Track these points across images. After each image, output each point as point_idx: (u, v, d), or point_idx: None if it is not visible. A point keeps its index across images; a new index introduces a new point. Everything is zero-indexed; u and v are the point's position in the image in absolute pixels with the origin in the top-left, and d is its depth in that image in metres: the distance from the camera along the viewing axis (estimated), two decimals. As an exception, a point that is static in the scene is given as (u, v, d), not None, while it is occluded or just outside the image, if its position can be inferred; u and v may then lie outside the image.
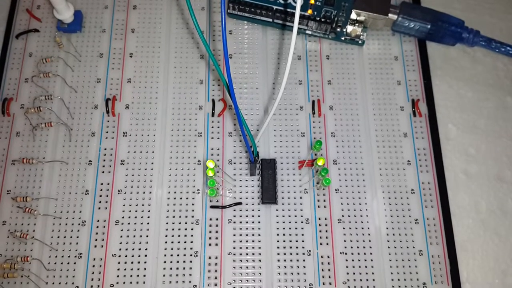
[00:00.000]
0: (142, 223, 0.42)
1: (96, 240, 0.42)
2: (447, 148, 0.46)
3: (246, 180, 0.44)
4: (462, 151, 0.47)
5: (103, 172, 0.44)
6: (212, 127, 0.46)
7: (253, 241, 0.42)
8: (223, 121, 0.46)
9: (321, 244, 0.42)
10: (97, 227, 0.42)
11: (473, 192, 0.45)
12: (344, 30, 0.48)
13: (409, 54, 0.49)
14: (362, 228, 0.43)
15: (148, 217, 0.42)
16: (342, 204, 0.43)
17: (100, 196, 0.43)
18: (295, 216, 0.43)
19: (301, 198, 0.43)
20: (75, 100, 0.46)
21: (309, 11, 0.48)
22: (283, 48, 0.49)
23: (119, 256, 0.41)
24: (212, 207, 0.43)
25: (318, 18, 0.47)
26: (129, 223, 0.42)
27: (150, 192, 0.43)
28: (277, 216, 0.43)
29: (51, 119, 0.44)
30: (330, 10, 0.48)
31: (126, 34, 0.48)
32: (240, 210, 0.43)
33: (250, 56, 0.48)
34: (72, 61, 0.47)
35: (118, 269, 0.41)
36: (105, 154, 0.44)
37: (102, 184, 0.43)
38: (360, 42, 0.48)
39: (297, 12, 0.32)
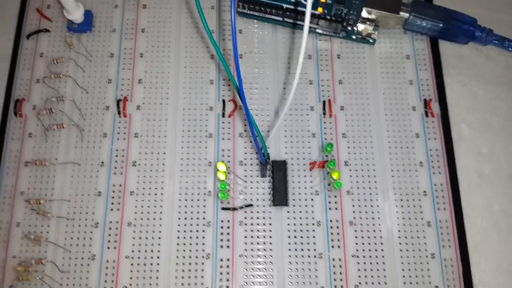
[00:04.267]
0: (154, 225, 0.42)
1: (109, 241, 0.42)
2: (460, 148, 0.46)
3: (257, 182, 0.44)
4: (475, 151, 0.46)
5: (115, 173, 0.44)
6: (223, 128, 0.46)
7: (264, 243, 0.42)
8: (233, 121, 0.46)
9: (332, 246, 0.42)
10: (110, 228, 0.42)
11: (486, 193, 0.45)
12: (355, 28, 0.48)
13: (421, 53, 0.48)
14: (374, 231, 0.43)
15: (160, 218, 0.43)
16: (353, 206, 0.43)
17: (113, 197, 0.43)
18: (307, 218, 0.43)
19: (312, 200, 0.43)
20: (87, 101, 0.46)
21: (320, 9, 0.48)
22: (293, 47, 0.48)
23: (132, 257, 0.42)
24: (223, 208, 0.43)
25: (328, 17, 0.47)
26: (141, 225, 0.42)
27: (162, 194, 0.43)
28: (288, 218, 0.43)
29: (63, 121, 0.45)
30: (341, 8, 0.47)
31: (136, 34, 0.48)
32: (252, 212, 0.43)
33: (260, 55, 0.48)
34: (82, 61, 0.47)
35: (131, 271, 0.41)
36: (117, 156, 0.44)
37: (114, 185, 0.43)
38: (371, 41, 0.48)
39: (308, 12, 0.32)
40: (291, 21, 0.48)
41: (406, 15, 0.46)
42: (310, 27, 0.48)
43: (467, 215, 0.44)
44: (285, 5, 0.47)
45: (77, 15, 0.46)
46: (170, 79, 0.47)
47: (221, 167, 0.40)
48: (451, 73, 0.48)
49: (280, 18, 0.48)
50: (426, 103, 0.46)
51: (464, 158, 0.46)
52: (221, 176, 0.40)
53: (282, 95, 0.47)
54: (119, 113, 0.45)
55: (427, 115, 0.46)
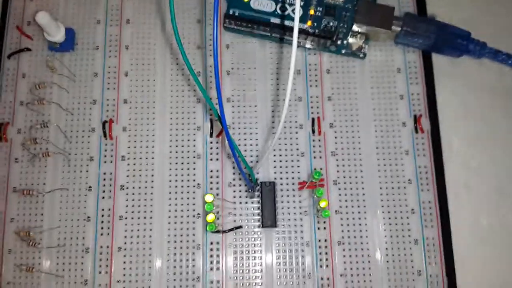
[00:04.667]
0: (144, 249, 0.43)
1: (100, 266, 0.42)
2: (449, 162, 0.46)
3: (246, 203, 0.44)
4: (464, 163, 0.46)
5: (103, 197, 0.44)
6: (211, 148, 0.45)
7: (254, 264, 0.43)
8: (222, 142, 0.45)
9: (321, 266, 0.43)
10: (101, 253, 0.43)
11: (474, 208, 0.45)
12: (345, 42, 0.47)
13: (413, 65, 0.47)
14: (362, 249, 0.43)
15: (150, 242, 0.43)
16: (342, 225, 0.44)
17: (102, 222, 0.43)
18: (295, 238, 0.43)
19: (301, 219, 0.44)
20: (72, 123, 0.45)
21: (309, 23, 0.47)
22: (282, 62, 0.47)
23: (124, 281, 0.42)
24: (212, 231, 0.43)
25: (318, 31, 0.46)
26: (131, 249, 0.43)
27: (151, 217, 0.43)
28: (277, 238, 0.43)
29: (49, 149, 0.44)
30: (331, 21, 0.46)
31: (120, 51, 0.47)
32: (241, 233, 0.43)
33: (248, 71, 0.47)
34: (66, 82, 0.46)
35: (123, 295, 0.42)
36: (104, 179, 0.44)
37: (103, 210, 0.44)
38: (361, 55, 0.47)
39: (296, 31, 0.31)
40: (278, 36, 0.47)
41: (397, 29, 0.45)
42: (299, 42, 0.47)
43: (455, 231, 0.44)
44: (272, 20, 0.46)
45: (58, 37, 0.45)
46: (156, 98, 0.46)
47: (209, 198, 0.40)
48: (443, 80, 0.48)
49: (268, 34, 0.47)
50: (416, 119, 0.46)
51: (453, 173, 0.46)
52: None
53: (271, 112, 0.46)
54: (105, 135, 0.45)
55: (416, 131, 0.46)
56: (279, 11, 0.47)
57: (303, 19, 0.46)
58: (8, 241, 0.43)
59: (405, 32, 0.45)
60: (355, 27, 0.46)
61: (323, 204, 0.41)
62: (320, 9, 0.47)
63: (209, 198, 0.41)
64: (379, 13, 0.46)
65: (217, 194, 0.44)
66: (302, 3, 0.47)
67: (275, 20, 0.47)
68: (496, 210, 0.45)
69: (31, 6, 0.48)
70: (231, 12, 0.46)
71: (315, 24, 0.46)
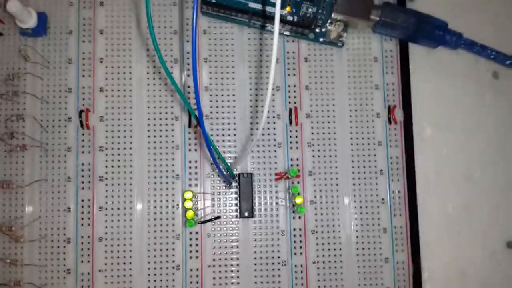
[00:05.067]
0: (125, 239, 0.44)
1: (82, 256, 0.44)
2: (420, 150, 0.47)
3: (225, 193, 0.45)
4: (435, 152, 0.48)
5: (82, 188, 0.44)
6: (189, 138, 0.46)
7: (232, 253, 0.45)
8: (199, 132, 0.46)
9: (295, 254, 0.45)
10: (82, 243, 0.44)
11: (442, 194, 0.48)
12: (324, 29, 0.46)
13: (389, 54, 0.48)
14: (334, 237, 0.45)
15: (131, 232, 0.44)
16: (316, 214, 0.45)
17: (82, 212, 0.44)
18: (271, 227, 0.45)
19: (277, 209, 0.45)
20: (47, 112, 0.45)
21: (288, 8, 0.46)
22: (262, 49, 0.47)
23: (105, 270, 0.44)
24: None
25: (297, 19, 0.45)
26: (112, 239, 0.44)
27: (131, 208, 0.44)
28: (254, 228, 0.45)
29: (26, 142, 0.44)
30: (309, 7, 0.45)
31: (94, 36, 0.46)
32: (219, 223, 0.45)
33: (226, 58, 0.47)
34: (40, 69, 0.45)
35: (106, 283, 0.44)
36: (83, 170, 0.45)
37: (83, 200, 0.44)
38: (340, 44, 0.47)
39: (277, 23, 0.30)
40: (258, 24, 0.46)
41: (376, 19, 0.45)
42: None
43: (422, 219, 0.47)
44: (250, 4, 0.45)
45: (30, 23, 0.43)
46: (133, 86, 0.46)
47: (188, 195, 0.41)
48: (419, 69, 0.48)
49: (246, 20, 0.46)
50: (390, 110, 0.47)
51: (424, 162, 0.48)
52: (189, 204, 0.42)
53: (249, 102, 0.46)
54: (81, 125, 0.45)
55: (390, 122, 0.47)
56: (258, -3, 0.46)
57: (282, 5, 0.46)
58: None
59: (383, 22, 0.45)
60: (333, 15, 0.45)
61: (298, 200, 0.43)
62: (300, -7, 0.46)
63: (188, 195, 0.42)
64: (358, 2, 0.45)
65: (196, 185, 0.45)
66: (281, -12, 0.46)
67: (254, 5, 0.46)
68: (462, 197, 0.48)
69: (-3, -13, 0.46)
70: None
71: (294, 10, 0.46)
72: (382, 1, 0.47)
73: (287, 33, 0.46)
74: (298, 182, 0.45)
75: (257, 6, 0.45)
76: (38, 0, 0.46)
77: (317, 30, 0.46)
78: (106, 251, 0.44)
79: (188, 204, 0.42)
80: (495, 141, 0.48)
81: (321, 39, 0.47)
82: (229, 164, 0.42)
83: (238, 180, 0.45)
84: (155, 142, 0.45)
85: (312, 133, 0.46)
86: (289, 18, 0.45)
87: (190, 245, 0.44)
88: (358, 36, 0.48)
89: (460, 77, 0.49)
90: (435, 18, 0.46)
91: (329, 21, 0.46)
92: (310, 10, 0.46)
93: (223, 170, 0.41)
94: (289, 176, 0.44)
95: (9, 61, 0.45)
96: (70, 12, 0.46)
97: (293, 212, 0.45)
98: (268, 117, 0.46)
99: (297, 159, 0.46)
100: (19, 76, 0.44)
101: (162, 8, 0.46)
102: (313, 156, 0.46)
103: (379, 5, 0.46)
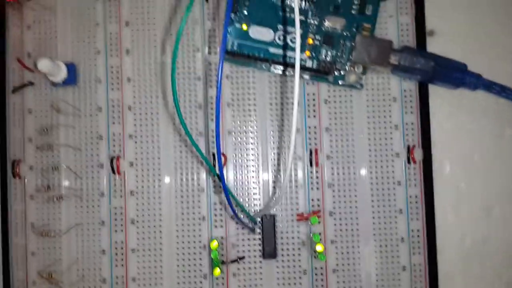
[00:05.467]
0: (156, 278, 0.47)
1: (117, 294, 0.47)
2: (439, 187, 0.48)
3: (249, 233, 0.47)
4: (454, 187, 0.49)
5: (115, 231, 0.47)
6: (214, 181, 0.48)
7: (256, 292, 0.47)
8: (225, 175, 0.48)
9: (317, 291, 0.47)
10: (117, 283, 0.47)
11: (461, 230, 0.49)
12: (343, 72, 0.47)
13: (408, 94, 0.48)
14: (355, 275, 0.47)
15: (161, 272, 0.47)
16: (337, 253, 0.47)
17: (116, 254, 0.47)
18: (294, 266, 0.47)
19: (299, 249, 0.47)
20: (81, 159, 0.47)
21: (307, 53, 0.47)
22: (283, 93, 0.48)
23: (138, 308, 0.47)
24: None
25: (316, 66, 0.46)
26: (144, 279, 0.47)
27: (161, 249, 0.47)
28: (277, 267, 0.47)
29: (62, 192, 0.47)
30: (329, 50, 0.46)
31: (122, 83, 0.48)
32: (244, 262, 0.47)
33: (249, 102, 0.48)
34: (71, 118, 0.47)
35: (139, 319, 0.47)
36: (115, 214, 0.47)
37: (116, 242, 0.47)
38: (359, 87, 0.48)
39: (297, 72, 0.33)
40: (280, 72, 0.47)
41: (395, 63, 0.46)
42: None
43: (441, 255, 0.48)
44: (271, 50, 0.46)
45: (61, 76, 0.45)
46: (160, 132, 0.48)
47: (215, 244, 0.44)
48: (438, 104, 0.49)
49: (267, 66, 0.47)
50: (409, 150, 0.48)
51: (443, 199, 0.48)
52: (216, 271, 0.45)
53: (271, 144, 0.48)
54: (113, 171, 0.47)
55: (409, 162, 0.48)
56: (278, 41, 0.47)
57: (301, 49, 0.47)
58: (31, 276, 0.47)
59: (402, 67, 0.46)
60: (352, 61, 0.46)
61: (319, 248, 0.44)
62: (319, 37, 0.47)
63: (214, 244, 0.44)
64: (376, 48, 0.46)
65: (222, 226, 0.47)
66: (300, 32, 0.47)
67: (274, 50, 0.47)
68: (481, 232, 0.49)
69: (28, 35, 0.48)
70: (229, 48, 0.46)
71: (313, 54, 0.47)
72: (400, 44, 0.48)
73: (307, 76, 0.48)
74: (319, 222, 0.47)
75: (278, 51, 0.47)
76: (66, 51, 0.48)
77: (336, 73, 0.47)
78: (139, 290, 0.47)
79: (214, 254, 0.45)
80: (515, 176, 0.49)
81: (340, 82, 0.47)
82: (250, 213, 0.44)
83: (261, 222, 0.47)
84: (181, 185, 0.47)
85: (333, 174, 0.48)
86: (309, 64, 0.47)
87: (217, 284, 0.47)
88: (378, 76, 0.48)
89: (480, 112, 0.49)
90: (454, 61, 0.46)
91: (348, 65, 0.47)
92: (329, 53, 0.47)
93: (243, 218, 0.43)
94: (310, 223, 0.45)
95: (42, 113, 0.47)
96: (98, 61, 0.48)
97: (315, 257, 0.47)
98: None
99: (318, 200, 0.48)
100: (53, 128, 0.46)
101: (185, 54, 0.48)
102: (333, 197, 0.48)
103: (398, 49, 0.46)
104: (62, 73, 0.45)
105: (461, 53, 0.48)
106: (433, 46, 0.49)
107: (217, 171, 0.36)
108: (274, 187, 0.48)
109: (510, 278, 0.49)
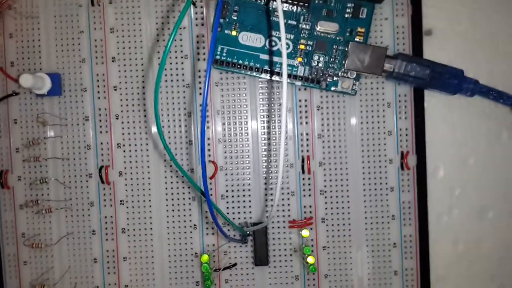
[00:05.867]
0: (148, 285, 0.47)
1: (110, 301, 0.48)
2: (433, 191, 0.48)
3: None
4: (448, 191, 0.48)
5: (106, 240, 0.47)
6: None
7: (248, 299, 0.48)
8: (215, 184, 0.47)
9: (309, 296, 0.48)
10: (110, 290, 0.48)
11: (454, 234, 0.49)
12: (336, 78, 0.46)
13: (403, 99, 0.47)
14: (346, 280, 0.47)
15: (153, 279, 0.47)
16: (329, 259, 0.47)
17: (108, 262, 0.47)
18: (286, 272, 0.47)
19: (291, 255, 0.47)
20: (69, 168, 0.47)
21: (299, 59, 0.45)
22: (273, 98, 0.47)
23: (132, 313, 0.48)
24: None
25: (308, 70, 0.45)
26: (137, 286, 0.47)
27: (153, 257, 0.47)
28: (269, 273, 0.47)
29: (51, 205, 0.46)
30: (321, 55, 0.45)
31: (108, 91, 0.47)
32: (235, 269, 0.47)
33: (238, 109, 0.47)
34: (59, 128, 0.46)
35: (133, 325, 0.48)
36: (106, 223, 0.47)
37: (108, 251, 0.47)
38: (352, 93, 0.46)
39: (285, 84, 0.33)
40: (268, 77, 0.46)
41: (389, 70, 0.44)
42: (288, 82, 0.46)
43: (433, 259, 0.48)
44: (261, 56, 0.45)
45: (46, 88, 0.44)
46: (149, 141, 0.47)
47: (205, 257, 0.44)
48: (433, 109, 0.48)
49: (257, 72, 0.46)
50: (403, 156, 0.47)
51: (437, 203, 0.48)
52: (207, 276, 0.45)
53: (261, 152, 0.47)
54: (102, 181, 0.47)
55: (402, 168, 0.47)
56: (268, 47, 0.45)
57: (293, 55, 0.45)
58: (24, 284, 0.47)
59: (396, 74, 0.44)
60: (345, 69, 0.45)
61: (310, 260, 0.44)
62: (311, 43, 0.45)
63: (205, 258, 0.44)
64: (370, 56, 0.44)
65: (213, 234, 0.47)
66: (291, 37, 0.45)
67: (264, 56, 0.46)
68: (474, 236, 0.49)
69: (11, 43, 0.46)
70: (218, 57, 0.45)
71: (305, 60, 0.45)
72: (396, 47, 0.46)
73: (298, 83, 0.46)
74: (311, 228, 0.47)
75: (269, 58, 0.45)
76: (50, 60, 0.46)
77: (328, 79, 0.46)
78: (132, 297, 0.48)
79: (205, 268, 0.45)
80: (510, 179, 0.49)
81: (333, 88, 0.46)
82: (242, 222, 0.44)
83: (253, 231, 0.47)
84: (172, 193, 0.47)
85: (325, 180, 0.47)
86: (301, 70, 0.45)
87: (209, 291, 0.48)
88: (372, 81, 0.47)
89: (477, 115, 0.48)
90: (451, 67, 0.45)
91: (341, 71, 0.46)
92: (322, 59, 0.45)
93: (232, 235, 0.43)
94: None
95: (28, 123, 0.46)
96: (83, 69, 0.46)
97: (307, 269, 0.47)
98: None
99: (310, 206, 0.47)
100: (39, 142, 0.46)
101: (173, 60, 0.47)
102: (326, 203, 0.47)
103: (393, 56, 0.45)
104: (46, 85, 0.44)
105: (458, 52, 0.47)
106: (430, 46, 0.48)
107: (202, 187, 0.36)
108: (265, 194, 0.47)
109: (503, 280, 0.49)
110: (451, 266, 0.49)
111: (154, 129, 0.47)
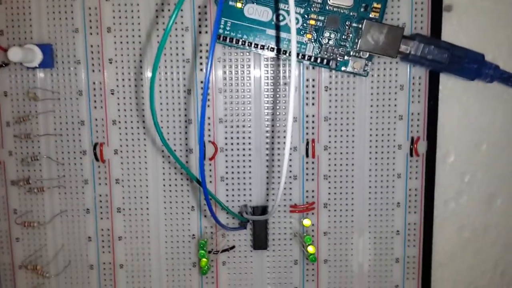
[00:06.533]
0: (144, 265, 0.46)
1: (105, 280, 0.46)
2: (442, 177, 0.46)
3: (239, 223, 0.46)
4: (457, 177, 0.47)
5: (101, 218, 0.46)
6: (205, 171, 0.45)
7: (246, 284, 0.46)
8: (214, 165, 0.45)
9: (307, 280, 0.47)
10: (104, 269, 0.46)
11: (460, 221, 0.47)
12: (348, 59, 0.43)
13: (417, 82, 0.44)
14: (346, 266, 0.46)
15: (149, 259, 0.46)
16: (329, 244, 0.46)
17: (103, 241, 0.46)
18: (285, 256, 0.46)
19: (291, 239, 0.46)
20: (62, 145, 0.44)
21: (308, 36, 0.42)
22: (278, 77, 0.44)
23: (128, 293, 0.47)
24: (208, 252, 0.46)
25: (318, 49, 0.42)
26: (132, 265, 0.46)
27: (149, 237, 0.46)
28: (267, 256, 0.46)
29: (43, 184, 0.44)
30: (332, 32, 0.42)
31: (103, 65, 0.44)
32: (234, 251, 0.46)
33: (241, 88, 0.44)
34: (51, 104, 0.44)
35: (128, 304, 0.47)
36: (100, 201, 0.45)
37: (102, 230, 0.46)
38: (364, 74, 0.43)
39: (293, 63, 0.30)
40: (274, 55, 0.43)
41: (406, 52, 0.41)
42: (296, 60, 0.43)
43: (436, 247, 0.47)
44: (268, 32, 0.42)
45: (37, 61, 0.41)
46: (146, 118, 0.44)
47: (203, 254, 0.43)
48: (448, 92, 0.45)
49: (262, 53, 0.43)
50: (413, 142, 0.45)
51: (445, 190, 0.46)
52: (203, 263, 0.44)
53: (265, 133, 0.45)
54: (96, 158, 0.44)
55: (411, 155, 0.45)
56: (275, 21, 0.42)
57: (302, 31, 0.42)
58: (19, 280, 0.46)
59: (413, 56, 0.41)
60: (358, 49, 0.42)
61: (310, 249, 0.43)
62: (322, 18, 0.42)
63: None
64: (386, 36, 0.41)
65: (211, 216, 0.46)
66: (301, 11, 0.42)
67: (271, 32, 0.42)
68: (481, 223, 0.47)
69: (0, 11, 0.43)
70: (221, 31, 0.41)
71: (315, 37, 0.42)
72: (414, 25, 0.43)
73: (306, 62, 0.43)
74: (312, 213, 0.46)
75: (276, 33, 0.42)
76: (42, 31, 0.43)
77: (339, 58, 0.43)
78: (127, 276, 0.46)
79: (204, 260, 0.44)
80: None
81: (343, 68, 0.43)
82: (242, 204, 0.42)
83: (252, 213, 0.45)
84: (170, 174, 0.45)
85: (329, 165, 0.45)
86: (309, 50, 0.42)
87: (206, 277, 0.46)
88: (385, 61, 0.44)
89: (494, 100, 0.46)
90: (471, 51, 0.42)
91: (353, 50, 0.42)
92: (333, 36, 0.42)
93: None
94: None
95: (19, 96, 0.44)
96: (77, 40, 0.43)
97: (306, 258, 0.46)
98: (283, 149, 0.45)
99: (313, 191, 0.45)
100: (29, 118, 0.43)
101: (173, 32, 0.43)
102: (329, 188, 0.45)
103: (409, 36, 0.41)
104: (37, 58, 0.41)
105: (479, 30, 0.44)
106: (450, 22, 0.44)
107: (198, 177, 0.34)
108: (267, 177, 0.45)
109: (506, 267, 0.48)
110: (455, 253, 0.48)
111: (149, 103, 0.44)
